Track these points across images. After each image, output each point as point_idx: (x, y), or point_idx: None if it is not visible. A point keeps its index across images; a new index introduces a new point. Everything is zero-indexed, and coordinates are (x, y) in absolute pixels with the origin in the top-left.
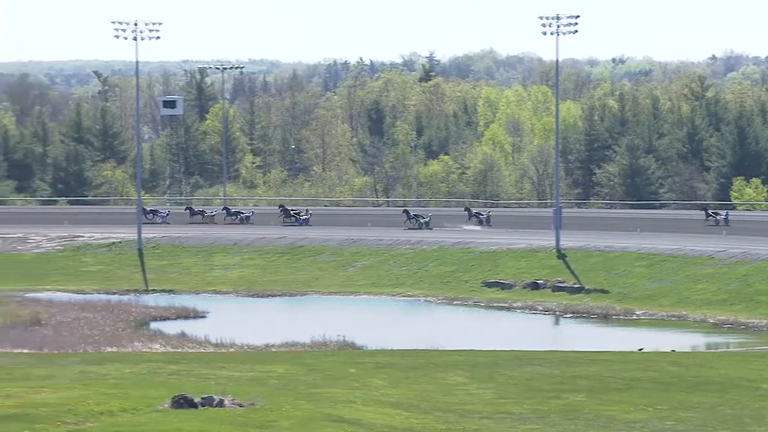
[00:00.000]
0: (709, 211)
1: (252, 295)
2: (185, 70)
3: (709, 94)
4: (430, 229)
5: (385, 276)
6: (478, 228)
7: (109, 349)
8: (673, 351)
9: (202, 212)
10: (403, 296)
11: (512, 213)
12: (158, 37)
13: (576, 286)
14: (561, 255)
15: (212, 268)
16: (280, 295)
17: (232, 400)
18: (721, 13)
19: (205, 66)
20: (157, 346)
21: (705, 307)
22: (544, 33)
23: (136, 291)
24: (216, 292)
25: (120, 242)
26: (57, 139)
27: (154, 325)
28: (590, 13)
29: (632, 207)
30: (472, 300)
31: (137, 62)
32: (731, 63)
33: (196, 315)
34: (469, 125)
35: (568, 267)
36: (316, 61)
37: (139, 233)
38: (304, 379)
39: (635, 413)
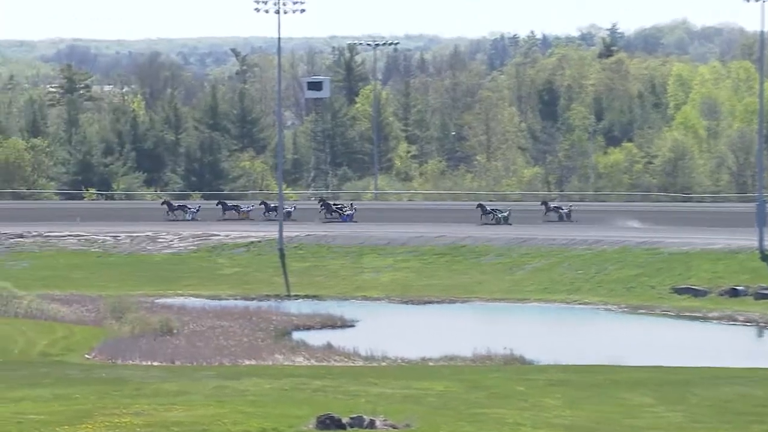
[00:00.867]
0: None
1: (406, 302)
2: (333, 48)
3: None
4: (510, 224)
5: (558, 280)
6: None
7: (247, 362)
8: None
9: (236, 207)
10: (579, 304)
11: (706, 208)
12: (303, 10)
13: None
14: (765, 257)
15: (362, 271)
16: (438, 302)
17: (385, 420)
18: None
19: (355, 42)
20: (301, 358)
21: None
22: None
23: (276, 296)
24: (366, 297)
25: (259, 241)
26: (190, 126)
27: (296, 335)
28: None
29: None
30: (659, 308)
31: (279, 39)
32: None
33: (344, 324)
34: (657, 107)
35: None
36: (481, 36)
37: (281, 232)
38: (465, 397)
39: None
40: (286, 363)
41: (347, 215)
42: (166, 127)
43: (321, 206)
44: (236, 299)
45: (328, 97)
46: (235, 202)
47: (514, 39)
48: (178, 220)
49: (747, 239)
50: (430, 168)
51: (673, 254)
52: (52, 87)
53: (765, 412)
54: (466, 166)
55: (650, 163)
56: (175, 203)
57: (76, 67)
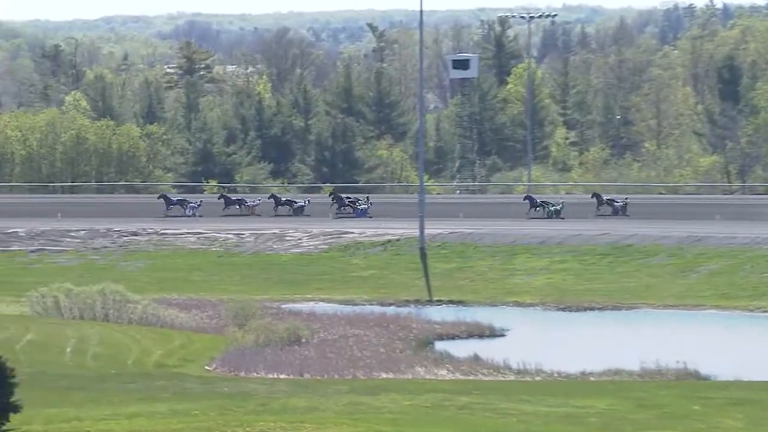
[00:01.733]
0: None
1: (563, 308)
2: (481, 21)
3: None
4: (562, 218)
5: (740, 284)
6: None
7: (384, 375)
8: None
9: (240, 201)
10: (764, 311)
11: None
12: None
13: None
14: None
15: (513, 273)
16: (599, 308)
17: None
18: None
19: (507, 15)
20: (444, 371)
21: None
22: None
23: (417, 302)
24: (517, 303)
25: (397, 240)
26: (321, 111)
27: (439, 345)
28: None
29: None
30: None
31: (421, 12)
32: None
33: (493, 333)
34: None
35: None
36: (651, 6)
37: (422, 229)
38: (632, 417)
39: None
40: (427, 377)
41: (361, 210)
42: (295, 112)
43: (332, 200)
44: (372, 304)
45: (475, 77)
46: (239, 196)
47: (690, 9)
48: (176, 216)
49: None
50: (591, 157)
51: None
52: (169, 67)
53: None
54: (633, 155)
55: None
56: (174, 197)
57: (196, 46)
